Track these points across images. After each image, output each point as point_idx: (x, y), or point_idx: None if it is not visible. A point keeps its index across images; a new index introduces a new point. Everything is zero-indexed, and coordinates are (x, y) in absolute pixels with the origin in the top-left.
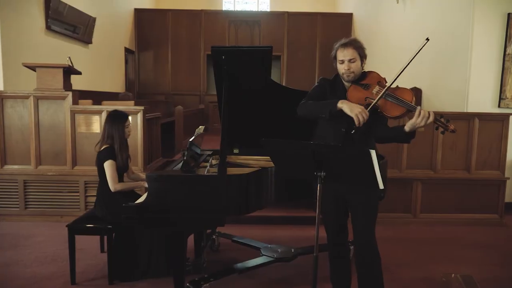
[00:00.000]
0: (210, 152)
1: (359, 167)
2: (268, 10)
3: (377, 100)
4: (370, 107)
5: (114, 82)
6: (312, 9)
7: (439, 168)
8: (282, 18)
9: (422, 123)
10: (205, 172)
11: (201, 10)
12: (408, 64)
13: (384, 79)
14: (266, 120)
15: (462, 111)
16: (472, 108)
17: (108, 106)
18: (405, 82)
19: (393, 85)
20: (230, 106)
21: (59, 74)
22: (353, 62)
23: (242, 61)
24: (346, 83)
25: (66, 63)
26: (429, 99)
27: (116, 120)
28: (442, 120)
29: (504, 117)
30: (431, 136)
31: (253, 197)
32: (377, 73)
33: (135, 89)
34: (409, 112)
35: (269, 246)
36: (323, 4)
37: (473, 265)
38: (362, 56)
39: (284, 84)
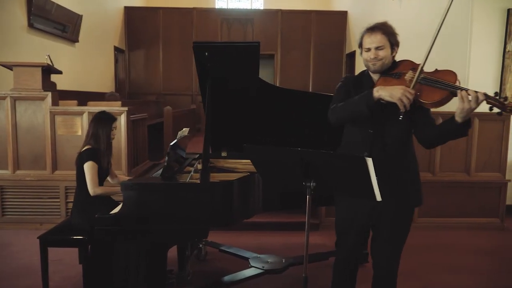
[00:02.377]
0: (197, 156)
1: (353, 176)
2: (262, 8)
3: (413, 85)
4: (415, 79)
5: (103, 81)
6: (306, 7)
7: (438, 171)
8: (275, 16)
9: (473, 106)
10: (188, 178)
11: (193, 8)
12: (437, 34)
13: (419, 65)
14: (256, 122)
15: None
16: None
17: (90, 107)
18: None
19: (431, 69)
20: (217, 107)
21: (38, 73)
22: (381, 49)
23: (227, 58)
24: (374, 77)
25: (45, 61)
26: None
27: (104, 121)
28: (497, 97)
29: (504, 118)
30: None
31: (239, 207)
32: (410, 61)
33: (126, 89)
34: (454, 95)
35: (259, 256)
36: (317, 2)
37: (474, 274)
38: (393, 44)
39: (278, 84)
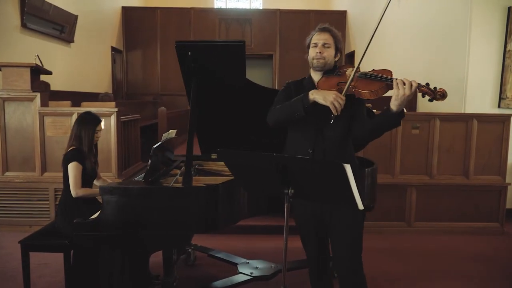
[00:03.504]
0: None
1: (332, 183)
2: (261, 7)
3: (351, 80)
4: (345, 89)
5: (100, 82)
6: (305, 7)
7: (435, 173)
8: (274, 16)
9: (407, 92)
10: (172, 182)
11: (191, 8)
12: (378, 26)
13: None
14: (245, 123)
15: (459, 112)
16: (470, 109)
17: (80, 108)
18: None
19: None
20: (205, 108)
21: (26, 73)
22: (328, 47)
23: (211, 58)
24: (316, 78)
25: (34, 61)
26: (424, 99)
27: (87, 122)
28: (428, 86)
29: (504, 118)
30: (426, 139)
31: (224, 211)
32: (349, 65)
33: (123, 89)
34: (389, 86)
35: (248, 261)
36: (317, 2)
37: (471, 281)
38: (338, 48)
39: (277, 85)
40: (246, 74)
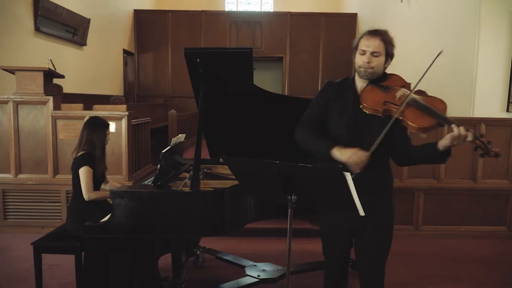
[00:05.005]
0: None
1: (333, 190)
2: (272, 10)
3: (402, 107)
4: (386, 129)
5: (112, 84)
6: (315, 9)
7: (443, 177)
8: (284, 18)
9: (459, 143)
10: (181, 186)
11: (202, 11)
12: (434, 61)
13: (410, 84)
14: (252, 127)
15: (468, 116)
16: (478, 113)
17: (91, 112)
18: None
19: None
20: (213, 112)
21: (40, 77)
22: (377, 56)
23: (219, 64)
24: (359, 85)
25: (47, 65)
26: None
27: (97, 127)
28: (483, 139)
29: None
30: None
31: (231, 215)
32: (400, 77)
33: (135, 91)
34: (440, 125)
35: (255, 264)
36: (327, 5)
37: (478, 284)
38: (389, 54)
39: (286, 87)
40: (257, 76)
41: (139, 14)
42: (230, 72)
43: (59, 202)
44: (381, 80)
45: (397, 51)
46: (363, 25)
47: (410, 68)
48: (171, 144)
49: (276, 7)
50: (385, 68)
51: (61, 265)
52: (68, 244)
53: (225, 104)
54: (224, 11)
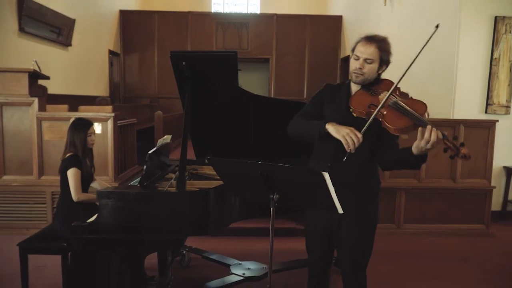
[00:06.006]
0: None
1: (313, 190)
2: (258, 12)
3: (380, 107)
4: (369, 120)
5: (98, 85)
6: (301, 12)
7: (424, 177)
8: (270, 20)
9: (428, 146)
10: (167, 186)
11: (188, 12)
12: (416, 57)
13: (399, 88)
14: (238, 130)
15: (448, 118)
16: (458, 114)
17: (77, 113)
18: None
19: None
20: (199, 114)
21: (24, 79)
22: (370, 63)
23: (205, 68)
24: (353, 89)
25: (32, 67)
26: None
27: (78, 128)
28: (455, 142)
29: (490, 124)
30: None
31: (215, 215)
32: (391, 81)
33: (120, 92)
34: (417, 127)
35: (240, 263)
36: (313, 7)
37: (458, 281)
38: (383, 61)
39: (273, 88)
40: (243, 78)
41: (125, 15)
42: (215, 75)
43: (45, 203)
44: (374, 84)
45: None
46: (348, 27)
47: (393, 70)
48: (157, 145)
49: (262, 8)
50: (379, 74)
51: (48, 266)
52: (54, 245)
53: (210, 106)
54: (211, 12)
